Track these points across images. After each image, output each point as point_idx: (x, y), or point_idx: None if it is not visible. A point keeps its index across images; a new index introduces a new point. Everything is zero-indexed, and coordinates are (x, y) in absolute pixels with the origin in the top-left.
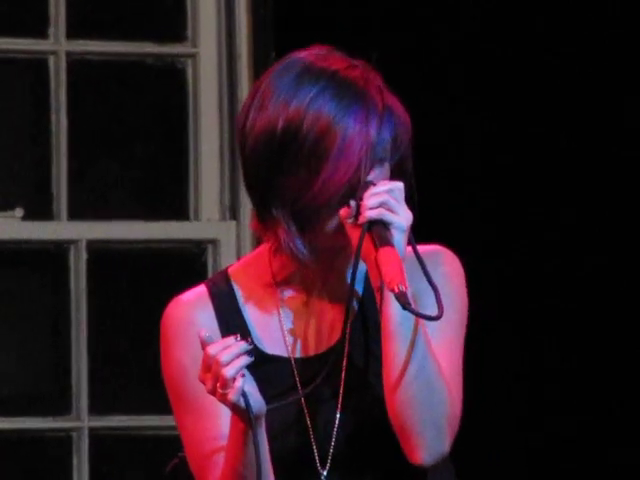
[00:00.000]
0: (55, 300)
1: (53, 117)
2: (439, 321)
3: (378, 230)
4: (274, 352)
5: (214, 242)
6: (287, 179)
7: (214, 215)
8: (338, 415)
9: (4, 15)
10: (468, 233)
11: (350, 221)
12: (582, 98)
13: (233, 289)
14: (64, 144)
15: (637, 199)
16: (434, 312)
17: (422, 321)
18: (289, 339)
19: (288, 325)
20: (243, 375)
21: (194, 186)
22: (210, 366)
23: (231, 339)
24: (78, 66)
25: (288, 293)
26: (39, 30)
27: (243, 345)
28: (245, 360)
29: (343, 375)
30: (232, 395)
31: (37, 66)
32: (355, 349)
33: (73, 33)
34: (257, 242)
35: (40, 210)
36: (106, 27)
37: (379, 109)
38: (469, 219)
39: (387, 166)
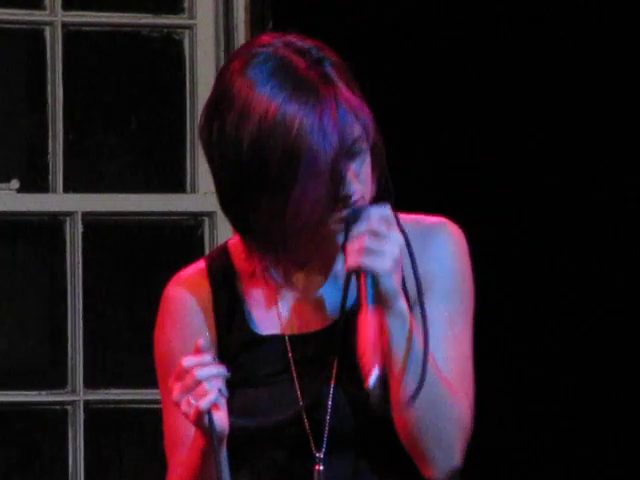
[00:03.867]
0: (51, 273)
1: (49, 89)
2: (446, 313)
3: (363, 278)
4: (268, 332)
5: (211, 215)
6: (258, 210)
7: (211, 188)
8: (331, 396)
9: None
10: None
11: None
12: (581, 98)
13: (232, 265)
14: (60, 116)
15: (637, 199)
16: (442, 300)
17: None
18: (284, 316)
19: (284, 302)
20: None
21: (191, 158)
22: (182, 377)
23: (209, 357)
24: (74, 37)
25: (288, 269)
26: (35, 1)
27: (221, 370)
28: (221, 382)
29: (337, 356)
30: (202, 405)
31: (33, 37)
32: (352, 329)
33: (69, 4)
34: (234, 228)
35: (36, 182)
36: None
37: (334, 115)
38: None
39: (364, 157)
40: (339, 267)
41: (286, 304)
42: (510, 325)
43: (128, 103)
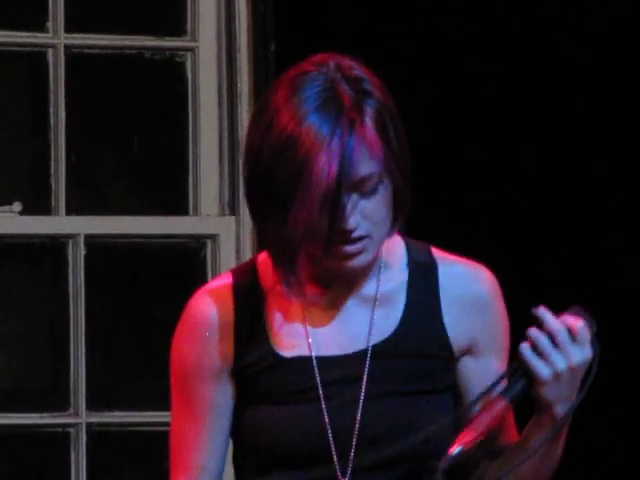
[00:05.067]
0: (53, 295)
1: (51, 111)
2: (494, 366)
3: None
4: (293, 354)
5: (213, 237)
6: (267, 222)
7: (213, 210)
8: (358, 421)
9: (2, 8)
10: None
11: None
12: (579, 98)
13: (258, 282)
14: (62, 138)
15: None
16: (499, 356)
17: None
18: (311, 337)
19: (311, 322)
20: None
21: (193, 181)
22: None
23: None
24: (77, 60)
25: (313, 288)
26: (38, 23)
27: None
28: None
29: (365, 380)
30: None
31: (36, 59)
32: (381, 354)
33: (72, 26)
34: (257, 237)
35: (38, 204)
36: (105, 20)
37: (344, 147)
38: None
39: (376, 197)
40: (365, 290)
41: (313, 325)
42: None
43: (130, 125)
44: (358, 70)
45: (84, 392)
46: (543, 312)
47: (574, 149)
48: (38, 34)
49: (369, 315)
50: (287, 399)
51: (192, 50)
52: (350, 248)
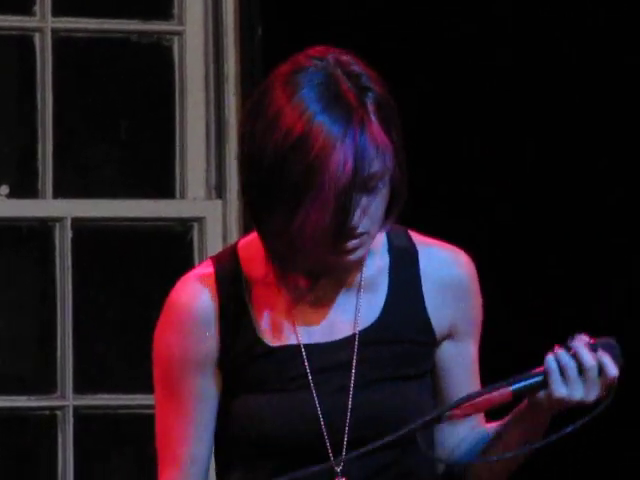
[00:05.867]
0: (40, 278)
1: (39, 95)
2: (472, 350)
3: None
4: (280, 342)
5: (200, 220)
6: (271, 216)
7: (200, 193)
8: (350, 407)
9: None
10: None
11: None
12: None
13: (240, 270)
14: (49, 122)
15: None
16: (475, 341)
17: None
18: (299, 325)
19: (298, 310)
20: None
21: (180, 164)
22: None
23: None
24: (64, 43)
25: (302, 280)
26: (25, 7)
27: None
28: None
29: (354, 367)
30: None
31: (23, 43)
32: (367, 340)
33: (59, 10)
34: (243, 221)
35: (25, 188)
36: (92, 4)
37: (356, 145)
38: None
39: (378, 195)
40: (349, 277)
41: (299, 313)
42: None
43: (117, 109)
44: (356, 65)
45: (71, 375)
46: (579, 345)
47: (572, 144)
48: (25, 18)
49: (354, 301)
50: (277, 388)
51: (179, 34)
52: (350, 244)
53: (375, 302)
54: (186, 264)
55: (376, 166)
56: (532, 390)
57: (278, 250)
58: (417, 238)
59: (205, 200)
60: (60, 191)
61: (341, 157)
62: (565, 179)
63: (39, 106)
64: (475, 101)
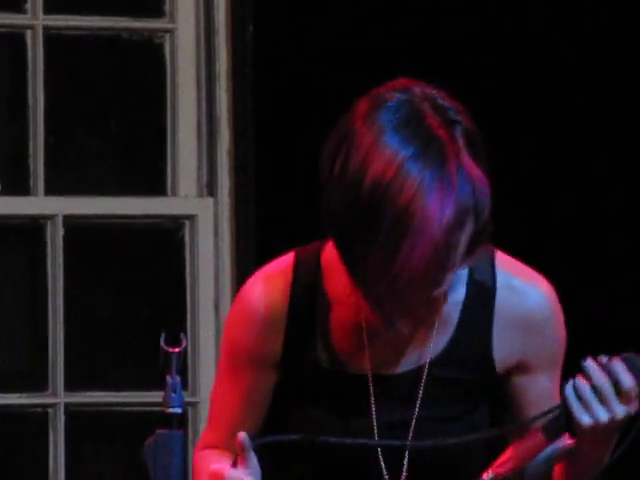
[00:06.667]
0: (32, 276)
1: (30, 92)
2: (544, 384)
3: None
4: (343, 366)
5: (191, 218)
6: (368, 256)
7: (191, 191)
8: (411, 436)
9: None
10: None
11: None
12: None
13: (319, 280)
14: (41, 119)
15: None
16: (555, 372)
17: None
18: (369, 352)
19: (369, 337)
20: None
21: (171, 162)
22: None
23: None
24: (55, 41)
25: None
26: (16, 4)
27: None
28: None
29: (419, 401)
30: None
31: (14, 41)
32: (439, 372)
33: (50, 7)
34: (235, 219)
35: (17, 185)
36: (83, 2)
37: (454, 184)
38: None
39: (467, 228)
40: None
41: (371, 340)
42: None
43: (109, 106)
44: (442, 99)
45: (62, 372)
46: (589, 365)
47: (570, 145)
48: (17, 15)
49: (425, 336)
50: (338, 410)
51: (170, 32)
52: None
53: (442, 338)
54: (177, 262)
55: (471, 201)
56: (563, 427)
57: (376, 296)
58: (501, 266)
59: (197, 198)
60: (51, 188)
61: (440, 200)
62: (563, 180)
63: (30, 103)
64: (474, 101)
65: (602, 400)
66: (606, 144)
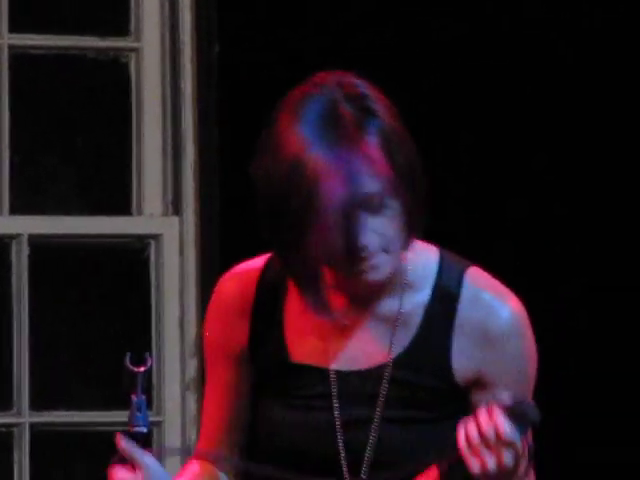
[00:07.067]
0: None
1: None
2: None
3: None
4: (309, 361)
5: (156, 237)
6: (282, 233)
7: (157, 210)
8: (371, 440)
9: None
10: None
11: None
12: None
13: (285, 279)
14: (5, 138)
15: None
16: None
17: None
18: (328, 348)
19: (330, 332)
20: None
21: (137, 181)
22: None
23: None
24: (20, 60)
25: (337, 299)
26: None
27: None
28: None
29: (381, 401)
30: None
31: None
32: (401, 373)
33: (15, 26)
34: (200, 238)
35: None
36: (49, 21)
37: (349, 168)
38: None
39: (386, 213)
40: (386, 309)
41: (332, 336)
42: None
43: (74, 125)
44: (361, 87)
45: (27, 392)
46: (479, 410)
47: (520, 150)
48: None
49: (387, 334)
50: (300, 405)
51: (136, 50)
52: (365, 265)
53: (404, 338)
54: (143, 281)
55: (372, 186)
56: (462, 472)
57: (300, 279)
58: (471, 278)
59: (162, 217)
60: (16, 208)
61: (333, 180)
62: (513, 184)
63: None
64: (471, 102)
65: (487, 446)
66: (558, 149)
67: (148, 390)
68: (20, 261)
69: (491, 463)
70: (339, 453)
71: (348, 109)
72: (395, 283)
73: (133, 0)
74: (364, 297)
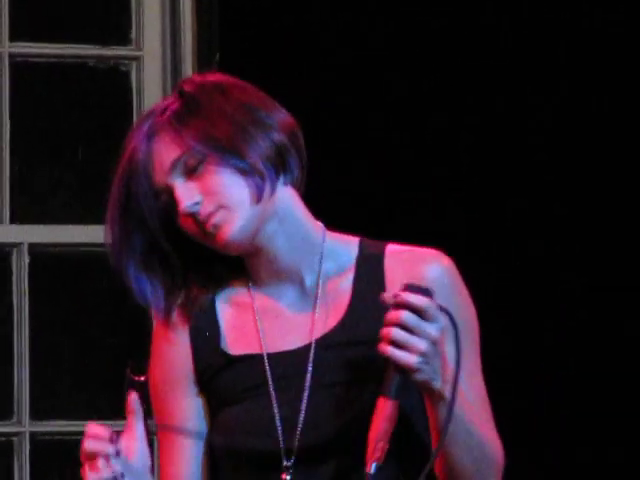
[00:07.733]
0: None
1: None
2: (462, 357)
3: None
4: (244, 351)
5: None
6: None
7: None
8: (303, 411)
9: None
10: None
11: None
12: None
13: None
14: (6, 147)
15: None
16: (450, 343)
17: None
18: (261, 334)
19: (259, 320)
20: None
21: None
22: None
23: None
24: (21, 68)
25: (262, 285)
26: None
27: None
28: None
29: (310, 372)
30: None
31: None
32: (326, 346)
33: (16, 35)
34: None
35: None
36: (50, 29)
37: (144, 144)
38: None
39: (204, 171)
40: (307, 284)
41: (263, 322)
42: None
43: (75, 134)
44: (199, 78)
45: (28, 401)
46: (387, 314)
47: (565, 145)
48: None
49: (313, 312)
50: (241, 398)
51: (137, 59)
52: (209, 226)
53: (337, 308)
54: None
55: (175, 151)
56: (402, 381)
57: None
58: (391, 247)
59: None
60: (17, 216)
61: (135, 160)
62: (560, 180)
63: None
64: (471, 102)
65: (411, 331)
66: (558, 149)
67: (148, 399)
68: (20, 270)
69: (423, 344)
70: (278, 434)
71: (167, 100)
72: (312, 260)
73: (134, 9)
74: (285, 277)
